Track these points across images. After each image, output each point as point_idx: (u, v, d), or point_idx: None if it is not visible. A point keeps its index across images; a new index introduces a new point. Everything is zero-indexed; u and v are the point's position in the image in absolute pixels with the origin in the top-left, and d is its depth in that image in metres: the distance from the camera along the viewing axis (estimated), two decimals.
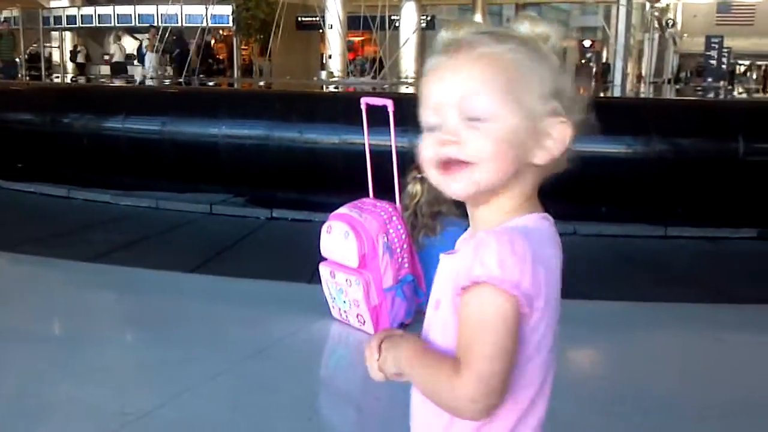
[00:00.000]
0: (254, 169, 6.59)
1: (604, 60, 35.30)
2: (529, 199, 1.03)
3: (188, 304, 4.22)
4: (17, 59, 18.66)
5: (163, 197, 6.56)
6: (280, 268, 4.76)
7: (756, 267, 5.18)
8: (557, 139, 1.00)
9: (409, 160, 4.02)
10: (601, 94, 9.14)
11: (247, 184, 6.70)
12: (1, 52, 17.94)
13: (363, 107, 3.77)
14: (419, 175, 3.78)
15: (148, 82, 12.91)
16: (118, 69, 21.50)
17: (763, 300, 4.35)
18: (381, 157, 3.79)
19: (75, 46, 23.70)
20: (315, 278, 3.87)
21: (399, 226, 3.61)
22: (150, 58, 16.84)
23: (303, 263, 4.50)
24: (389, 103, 3.60)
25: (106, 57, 25.40)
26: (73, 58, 22.76)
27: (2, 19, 22.27)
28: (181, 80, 13.83)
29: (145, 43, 17.68)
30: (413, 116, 1.03)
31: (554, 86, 1.00)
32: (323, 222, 3.78)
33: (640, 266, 5.19)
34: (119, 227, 5.95)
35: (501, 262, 0.93)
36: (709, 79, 23.74)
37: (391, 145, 3.73)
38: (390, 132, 3.69)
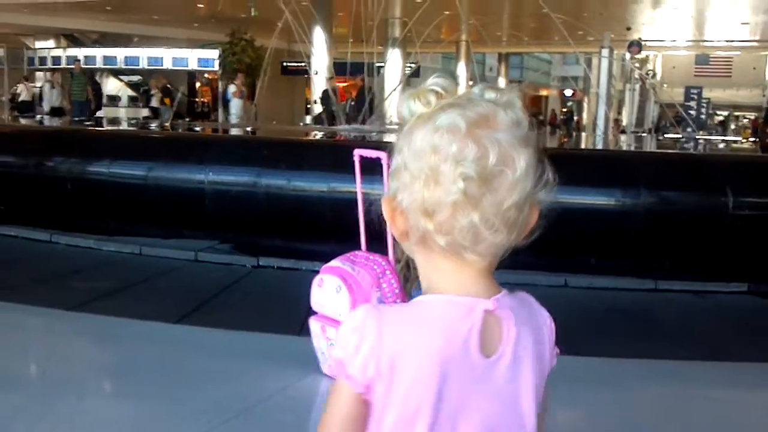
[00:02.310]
0: (240, 216, 6.51)
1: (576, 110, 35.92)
2: (450, 276, 0.98)
3: (172, 357, 4.10)
4: (89, 98, 18.44)
5: (147, 243, 6.45)
6: (267, 320, 4.66)
7: (748, 323, 5.15)
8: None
9: None
10: (590, 146, 9.23)
11: (233, 231, 6.61)
12: (73, 92, 17.86)
13: (356, 159, 3.72)
14: None
15: (234, 130, 12.52)
16: (24, 108, 21.64)
17: (755, 358, 4.31)
18: (370, 207, 3.71)
19: (148, 89, 22.29)
20: (304, 330, 3.78)
21: (392, 281, 3.54)
22: (236, 104, 17.07)
23: (291, 314, 4.41)
24: (383, 156, 3.56)
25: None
26: (146, 103, 21.94)
27: (75, 58, 21.99)
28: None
29: (232, 89, 17.66)
30: None
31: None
32: (310, 270, 3.71)
33: (631, 320, 5.14)
34: (102, 274, 5.82)
35: (342, 339, 0.97)
36: (689, 129, 24.11)
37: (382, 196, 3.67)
38: (383, 183, 3.64)
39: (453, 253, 0.95)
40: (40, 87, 20.09)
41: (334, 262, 3.63)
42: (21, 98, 22.87)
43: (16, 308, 4.82)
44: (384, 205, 1.01)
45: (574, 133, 29.51)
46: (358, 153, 3.71)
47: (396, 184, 0.98)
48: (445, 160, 0.92)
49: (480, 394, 0.96)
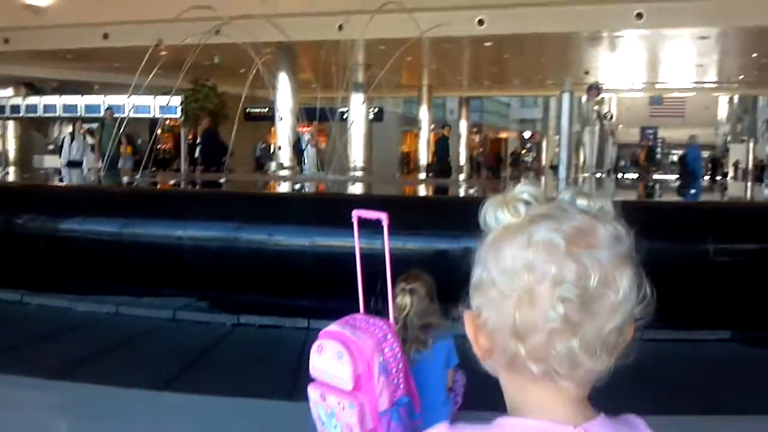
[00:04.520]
0: (220, 272, 6.38)
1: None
2: (538, 401, 0.90)
3: (158, 428, 3.94)
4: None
5: (123, 302, 6.28)
6: (254, 383, 4.53)
7: (736, 373, 5.14)
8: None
9: (398, 271, 3.92)
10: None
11: (211, 287, 6.47)
12: (102, 143, 16.48)
13: (355, 221, 3.64)
14: (408, 287, 3.67)
15: (309, 186, 11.81)
16: None
17: (748, 410, 4.28)
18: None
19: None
20: (295, 395, 3.66)
21: (394, 345, 3.44)
22: (310, 153, 16.60)
23: (280, 377, 4.30)
24: (384, 217, 3.49)
25: (50, 147, 25.15)
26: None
27: (106, 106, 21.02)
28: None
29: (307, 137, 17.12)
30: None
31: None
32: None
33: (618, 372, 5.09)
34: (79, 337, 5.61)
35: None
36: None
37: (383, 253, 3.59)
38: (382, 243, 3.57)
39: (545, 379, 0.87)
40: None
41: (333, 327, 3.51)
42: None
43: None
44: (467, 322, 0.92)
45: (522, 176, 29.23)
46: (357, 214, 3.63)
47: (480, 300, 0.89)
48: (542, 281, 0.83)
49: None
